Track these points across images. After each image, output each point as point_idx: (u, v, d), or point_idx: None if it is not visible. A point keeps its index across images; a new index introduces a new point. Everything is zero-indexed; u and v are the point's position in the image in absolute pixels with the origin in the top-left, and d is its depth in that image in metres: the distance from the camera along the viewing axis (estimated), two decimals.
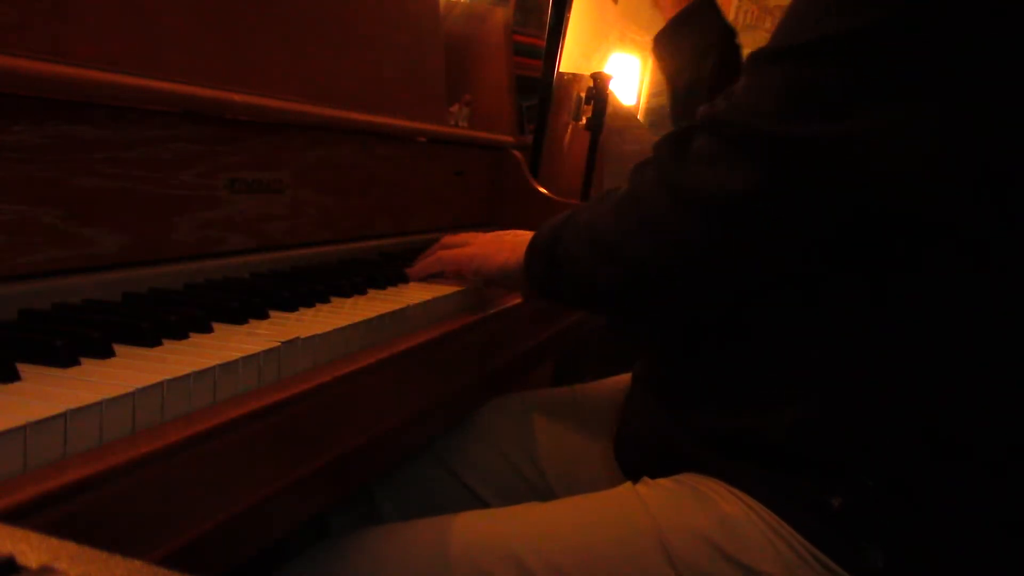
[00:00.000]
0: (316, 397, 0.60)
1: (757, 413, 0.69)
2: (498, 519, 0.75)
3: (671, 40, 1.13)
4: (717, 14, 1.11)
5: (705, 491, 0.70)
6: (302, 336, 0.63)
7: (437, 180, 1.27)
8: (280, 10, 0.92)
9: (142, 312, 0.63)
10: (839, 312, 0.66)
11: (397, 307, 0.78)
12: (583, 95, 1.85)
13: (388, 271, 0.92)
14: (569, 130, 1.91)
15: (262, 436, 0.55)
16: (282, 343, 0.60)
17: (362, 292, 0.83)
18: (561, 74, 1.79)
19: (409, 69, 1.21)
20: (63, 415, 0.43)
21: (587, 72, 1.89)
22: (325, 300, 0.78)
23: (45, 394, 0.45)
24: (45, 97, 0.61)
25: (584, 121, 1.86)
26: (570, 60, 1.87)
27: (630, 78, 2.85)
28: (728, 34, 1.09)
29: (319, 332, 0.65)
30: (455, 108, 1.43)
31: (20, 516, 0.38)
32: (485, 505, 0.91)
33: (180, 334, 0.60)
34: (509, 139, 1.46)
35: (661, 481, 0.74)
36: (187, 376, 0.51)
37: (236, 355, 0.56)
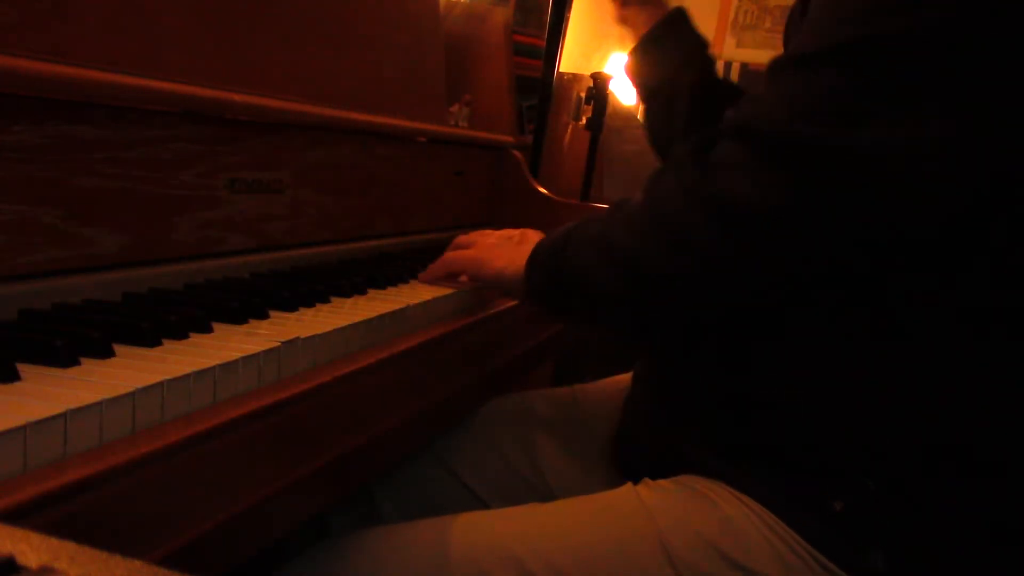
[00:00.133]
0: (316, 397, 0.60)
1: (759, 415, 0.69)
2: (498, 520, 0.75)
3: (646, 55, 1.10)
4: (691, 26, 1.09)
5: (706, 493, 0.70)
6: (302, 336, 0.63)
7: (437, 180, 1.27)
8: (280, 10, 0.92)
9: (142, 312, 0.63)
10: (842, 317, 0.65)
11: (397, 307, 0.78)
12: (583, 95, 1.85)
13: (388, 271, 0.92)
14: (569, 130, 1.92)
15: (262, 436, 0.55)
16: (282, 343, 0.60)
17: (362, 292, 0.83)
18: (561, 74, 1.79)
19: (409, 69, 1.21)
20: (63, 415, 0.43)
21: (587, 72, 1.89)
22: (325, 300, 0.78)
23: (45, 394, 0.45)
24: (45, 97, 0.61)
25: (584, 121, 1.86)
26: (570, 60, 1.87)
27: None
28: (702, 46, 1.08)
29: (319, 332, 0.65)
30: (455, 108, 1.43)
31: (20, 516, 0.38)
32: (485, 505, 0.91)
33: (180, 334, 0.60)
34: (509, 139, 1.46)
35: (661, 482, 0.74)
36: (187, 376, 0.51)
37: (236, 355, 0.56)
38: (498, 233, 0.94)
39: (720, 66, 3.87)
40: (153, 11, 0.74)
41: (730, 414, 0.71)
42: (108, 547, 0.26)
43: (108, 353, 0.53)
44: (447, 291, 0.89)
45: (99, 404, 0.45)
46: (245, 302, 0.68)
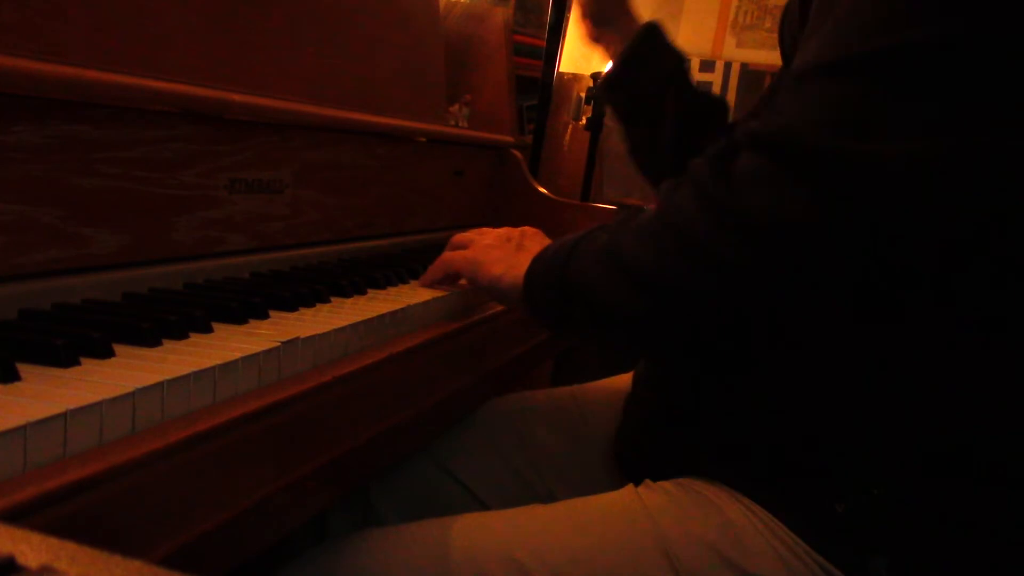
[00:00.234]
0: (316, 397, 0.60)
1: (762, 420, 0.69)
2: (498, 521, 0.75)
3: (622, 77, 1.05)
4: (667, 41, 1.05)
5: (708, 495, 0.70)
6: (302, 336, 0.63)
7: (437, 180, 1.27)
8: (280, 10, 0.92)
9: (142, 312, 0.63)
10: (849, 326, 0.65)
11: (397, 307, 0.78)
12: (583, 95, 1.85)
13: (388, 271, 0.92)
14: (569, 130, 1.92)
15: (262, 436, 0.55)
16: (282, 343, 0.60)
17: (362, 292, 0.83)
18: (561, 74, 1.79)
19: (409, 69, 1.21)
20: (63, 415, 0.43)
21: (587, 72, 1.89)
22: (325, 300, 0.78)
23: (45, 394, 0.45)
24: (45, 97, 0.61)
25: (584, 121, 1.86)
26: (570, 60, 1.87)
27: None
28: (680, 61, 1.05)
29: (319, 332, 0.65)
30: (455, 108, 1.43)
31: (20, 516, 0.38)
32: (484, 507, 0.91)
33: (180, 334, 0.60)
34: (509, 139, 1.46)
35: (663, 484, 0.74)
36: (187, 376, 0.51)
37: (236, 355, 0.56)
38: (496, 232, 0.89)
39: (720, 66, 3.88)
40: (153, 11, 0.74)
41: (732, 417, 0.71)
42: (108, 547, 0.26)
43: (108, 353, 0.53)
44: (447, 291, 0.89)
45: (99, 404, 0.45)
46: (245, 302, 0.68)
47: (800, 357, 0.67)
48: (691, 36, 3.77)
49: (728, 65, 3.73)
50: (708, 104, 1.05)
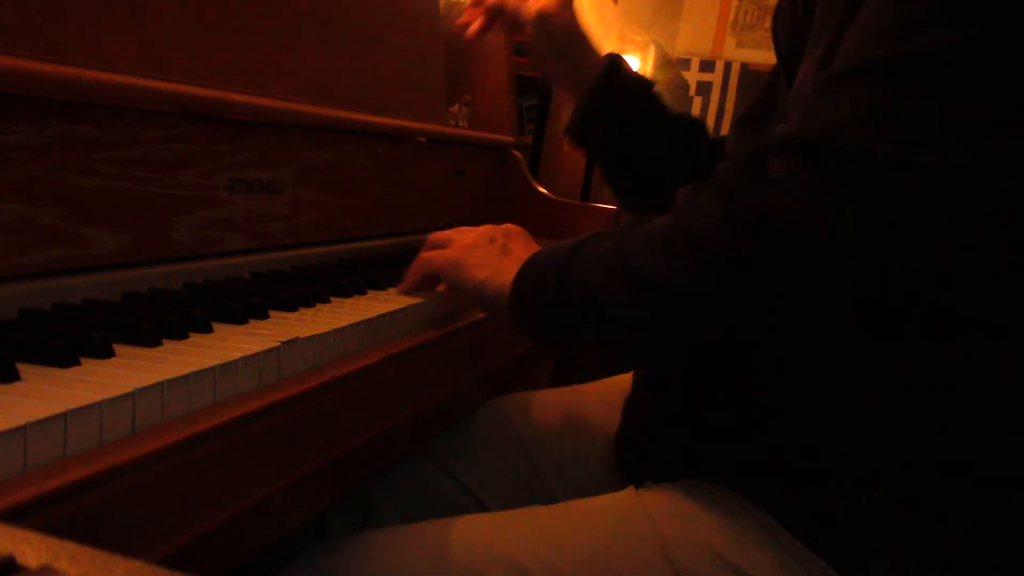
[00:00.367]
0: (316, 397, 0.60)
1: (764, 425, 0.68)
2: (498, 523, 0.74)
3: (595, 111, 0.99)
4: (630, 71, 0.99)
5: (709, 497, 0.69)
6: (302, 336, 0.63)
7: (437, 180, 1.27)
8: (280, 10, 0.92)
9: (142, 312, 0.63)
10: (866, 330, 0.64)
11: (397, 307, 0.78)
12: None
13: (388, 271, 0.92)
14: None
15: (262, 436, 0.55)
16: (282, 343, 0.60)
17: (362, 292, 0.83)
18: None
19: (409, 69, 1.21)
20: (63, 415, 0.43)
21: None
22: (325, 300, 0.78)
23: (45, 394, 0.45)
24: (45, 97, 0.61)
25: None
26: None
27: None
28: (649, 85, 1.01)
29: (319, 332, 0.65)
30: (455, 108, 1.43)
31: (20, 516, 0.38)
32: (484, 507, 0.90)
33: (180, 334, 0.60)
34: (509, 139, 1.46)
35: (664, 486, 0.73)
36: (187, 376, 0.51)
37: (236, 355, 0.56)
38: (477, 231, 0.83)
39: (720, 66, 3.88)
40: (153, 11, 0.74)
41: (733, 419, 0.71)
42: (108, 547, 0.26)
43: (108, 353, 0.54)
44: (445, 291, 0.89)
45: (99, 404, 0.45)
46: (245, 302, 0.68)
47: (803, 360, 0.67)
48: (691, 36, 3.77)
49: (728, 65, 3.74)
50: (684, 125, 1.01)
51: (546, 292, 0.69)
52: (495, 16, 1.02)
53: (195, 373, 0.52)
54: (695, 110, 3.74)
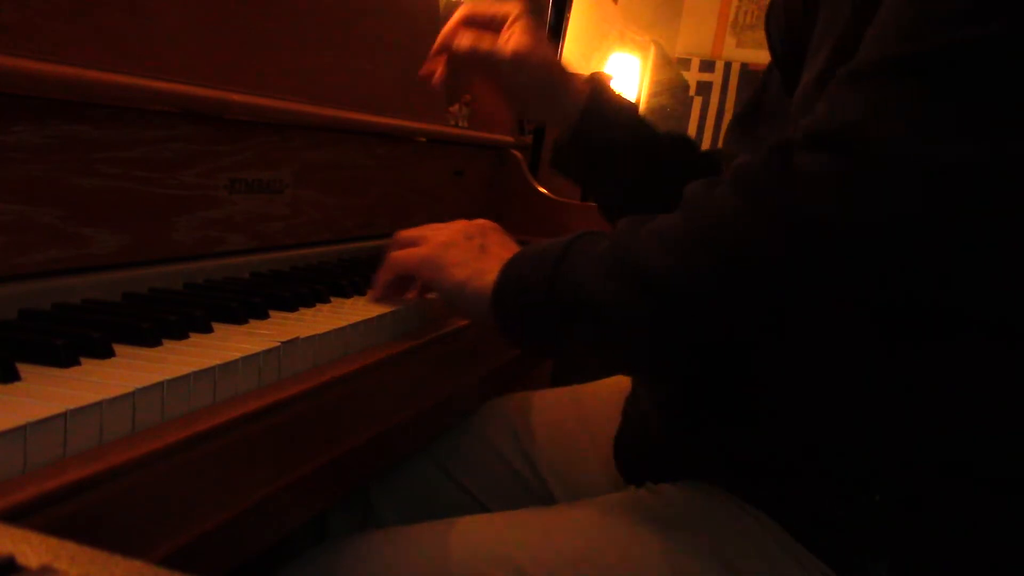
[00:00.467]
0: (316, 397, 0.60)
1: (763, 425, 0.68)
2: (498, 524, 0.74)
3: (578, 152, 0.93)
4: (611, 97, 0.94)
5: (709, 499, 0.69)
6: (302, 336, 0.63)
7: (437, 180, 1.27)
8: (280, 10, 0.92)
9: (142, 312, 0.63)
10: (865, 336, 0.62)
11: (397, 307, 0.78)
12: None
13: None
14: None
15: (262, 436, 0.55)
16: (282, 343, 0.60)
17: (362, 292, 0.83)
18: None
19: (409, 69, 1.21)
20: (63, 415, 0.43)
21: (587, 72, 1.89)
22: (325, 300, 0.78)
23: (45, 394, 0.45)
24: (45, 97, 0.61)
25: None
26: (570, 60, 1.87)
27: (630, 78, 2.85)
28: (634, 107, 0.96)
29: (319, 332, 0.65)
30: (455, 108, 1.43)
31: (20, 516, 0.38)
32: (484, 508, 0.90)
33: (180, 334, 0.60)
34: (509, 139, 1.46)
35: (664, 487, 0.73)
36: (187, 376, 0.51)
37: (236, 355, 0.56)
38: (451, 227, 0.78)
39: (720, 66, 3.89)
40: (153, 11, 0.74)
41: (735, 426, 0.70)
42: (108, 547, 0.26)
43: (108, 353, 0.54)
44: None
45: (99, 404, 0.45)
46: (245, 302, 0.68)
47: (805, 359, 0.65)
48: (691, 36, 3.77)
49: (728, 65, 3.73)
50: (674, 143, 0.97)
51: (534, 292, 0.66)
52: (463, 63, 0.93)
53: (195, 373, 0.52)
54: (695, 110, 3.74)
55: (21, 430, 0.41)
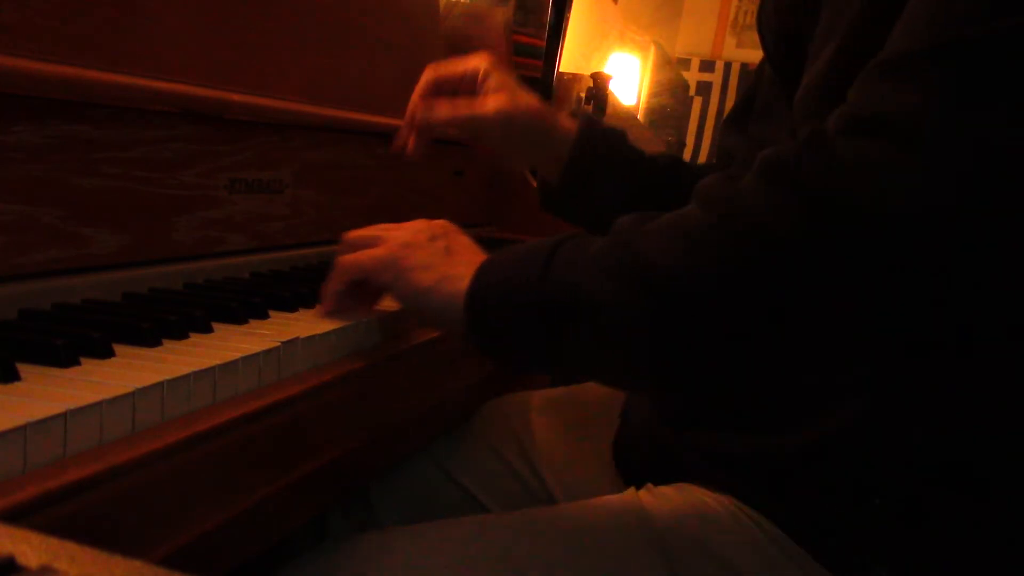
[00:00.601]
0: (316, 397, 0.60)
1: (765, 434, 0.68)
2: (498, 525, 0.74)
3: (573, 194, 0.89)
4: (599, 131, 0.90)
5: (710, 502, 0.69)
6: (302, 336, 0.63)
7: (437, 180, 1.27)
8: (280, 10, 0.92)
9: (142, 312, 0.63)
10: (880, 336, 0.58)
11: (398, 307, 0.78)
12: (583, 95, 1.85)
13: None
14: None
15: (262, 436, 0.55)
16: (282, 343, 0.60)
17: None
18: (561, 74, 1.79)
19: (409, 69, 1.21)
20: (63, 415, 0.43)
21: (587, 72, 1.89)
22: None
23: (45, 394, 0.45)
24: (45, 97, 0.61)
25: None
26: (570, 60, 1.88)
27: (630, 78, 2.85)
28: (621, 138, 0.92)
29: (319, 332, 0.65)
30: None
31: (20, 516, 0.38)
32: (484, 509, 0.90)
33: (180, 334, 0.60)
34: None
35: (664, 489, 0.73)
36: (187, 376, 0.51)
37: (236, 355, 0.56)
38: (410, 226, 0.72)
39: (720, 66, 3.88)
40: (153, 11, 0.74)
41: (735, 432, 0.70)
42: (108, 547, 0.26)
43: (108, 353, 0.54)
44: None
45: (99, 404, 0.45)
46: (245, 302, 0.68)
47: (808, 361, 0.61)
48: (691, 36, 3.77)
49: (728, 65, 3.74)
50: (666, 164, 0.95)
51: (520, 294, 0.60)
52: (435, 129, 0.89)
53: (195, 373, 0.52)
54: (695, 110, 3.74)
55: (21, 430, 0.41)
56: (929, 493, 0.63)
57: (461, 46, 1.48)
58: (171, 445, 0.47)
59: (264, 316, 0.69)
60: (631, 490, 0.75)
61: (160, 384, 0.49)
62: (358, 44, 1.07)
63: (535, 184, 1.35)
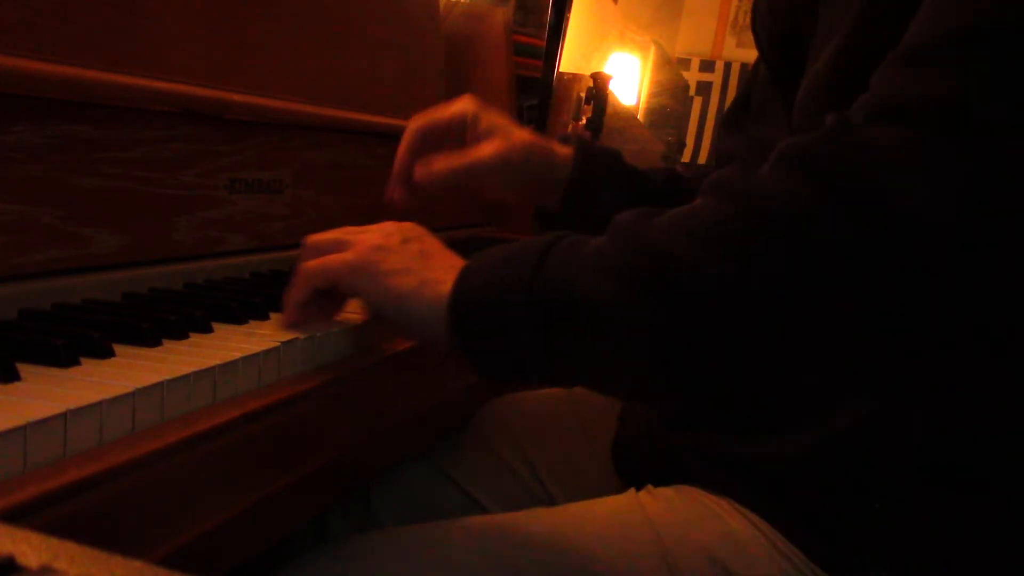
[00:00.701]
0: (316, 397, 0.60)
1: (766, 437, 0.68)
2: (497, 526, 0.74)
3: (580, 213, 0.87)
4: (595, 156, 0.90)
5: (710, 505, 0.69)
6: (302, 336, 0.62)
7: None
8: (280, 10, 0.92)
9: (142, 312, 0.63)
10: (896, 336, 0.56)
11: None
12: (583, 95, 1.85)
13: None
14: (569, 130, 1.91)
15: (262, 436, 0.55)
16: (282, 343, 0.60)
17: None
18: (561, 74, 1.79)
19: (408, 69, 1.21)
20: (63, 415, 0.43)
21: (587, 72, 1.89)
22: None
23: (45, 394, 0.45)
24: (45, 97, 0.61)
25: (584, 121, 1.86)
26: (570, 60, 1.88)
27: (630, 78, 2.85)
28: (617, 158, 0.92)
29: (319, 332, 0.65)
30: None
31: (20, 516, 0.38)
32: (484, 510, 0.90)
33: (180, 334, 0.60)
34: None
35: (664, 491, 0.73)
36: (187, 376, 0.51)
37: (236, 355, 0.56)
38: (379, 228, 0.67)
39: (720, 66, 3.88)
40: (153, 11, 0.74)
41: (733, 427, 0.70)
42: (108, 547, 0.26)
43: (108, 353, 0.53)
44: None
45: (99, 404, 0.45)
46: (245, 302, 0.68)
47: (810, 363, 0.58)
48: (691, 36, 3.77)
49: (728, 65, 3.74)
50: (662, 178, 0.95)
51: (512, 293, 0.56)
52: (434, 186, 0.85)
53: (195, 373, 0.52)
54: (695, 110, 3.74)
55: (21, 430, 0.41)
56: (929, 495, 0.63)
57: (461, 46, 1.48)
58: (171, 445, 0.47)
59: (264, 316, 0.69)
60: (631, 491, 0.75)
61: (160, 384, 0.49)
62: (358, 44, 1.07)
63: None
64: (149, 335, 0.57)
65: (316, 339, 0.64)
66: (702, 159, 3.61)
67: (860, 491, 0.64)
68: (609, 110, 1.87)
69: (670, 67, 3.19)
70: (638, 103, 2.94)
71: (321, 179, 0.97)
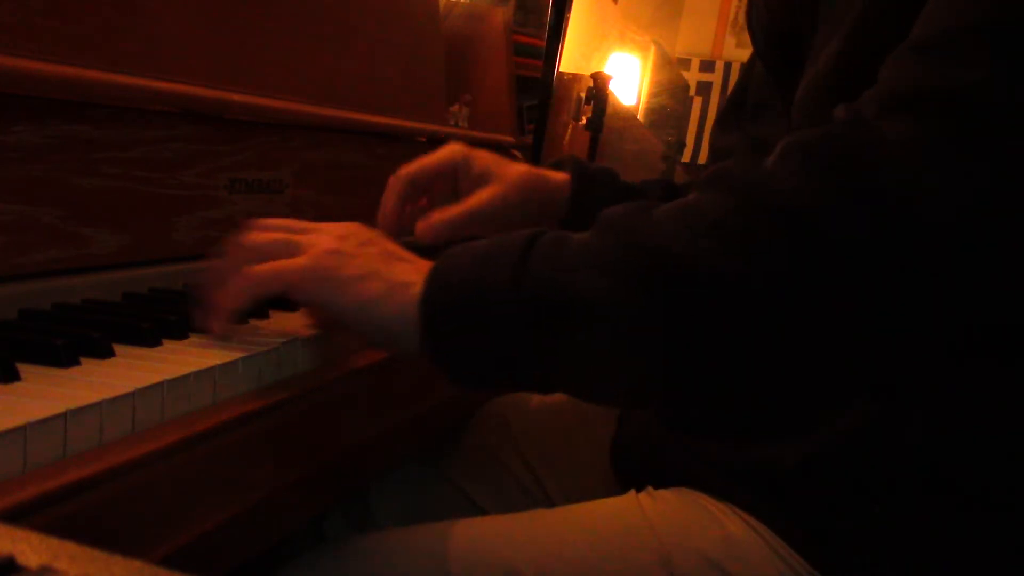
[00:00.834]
0: (316, 397, 0.60)
1: (765, 443, 0.68)
2: (496, 527, 0.74)
3: (577, 229, 0.90)
4: (595, 177, 0.90)
5: (710, 508, 0.69)
6: (302, 336, 0.63)
7: None
8: (280, 10, 0.92)
9: (142, 312, 0.63)
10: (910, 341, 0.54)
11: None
12: (583, 95, 1.85)
13: None
14: (569, 130, 1.92)
15: (262, 436, 0.55)
16: (282, 343, 0.60)
17: None
18: (561, 74, 1.79)
19: (409, 69, 1.21)
20: (63, 415, 0.43)
21: (587, 72, 1.90)
22: None
23: (45, 394, 0.45)
24: (45, 97, 0.61)
25: (584, 121, 1.86)
26: (570, 60, 1.88)
27: (630, 78, 2.86)
28: (614, 179, 0.92)
29: (320, 332, 0.65)
30: (455, 108, 1.43)
31: (20, 516, 0.38)
32: (481, 511, 0.90)
33: (180, 334, 0.60)
34: (509, 139, 1.46)
35: (664, 493, 0.73)
36: (187, 376, 0.51)
37: (236, 355, 0.56)
38: (330, 229, 0.61)
39: (720, 66, 3.87)
40: (153, 11, 0.74)
41: (733, 431, 0.70)
42: (108, 547, 0.26)
43: (108, 353, 0.53)
44: None
45: (99, 404, 0.45)
46: None
47: (811, 366, 0.55)
48: (691, 36, 3.77)
49: (728, 65, 3.74)
50: (660, 189, 0.95)
51: (494, 292, 0.52)
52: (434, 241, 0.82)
53: (195, 373, 0.52)
54: (695, 110, 3.75)
55: (21, 430, 0.41)
56: (929, 499, 0.63)
57: (461, 46, 1.48)
58: (171, 445, 0.47)
59: (264, 316, 0.69)
60: (630, 493, 0.75)
61: (160, 384, 0.49)
62: (358, 44, 1.07)
63: None
64: (149, 335, 0.57)
65: (318, 339, 0.64)
66: (702, 159, 3.61)
67: (859, 495, 0.64)
68: (609, 110, 1.87)
69: (670, 67, 3.19)
70: (638, 103, 2.94)
71: (321, 179, 0.97)
